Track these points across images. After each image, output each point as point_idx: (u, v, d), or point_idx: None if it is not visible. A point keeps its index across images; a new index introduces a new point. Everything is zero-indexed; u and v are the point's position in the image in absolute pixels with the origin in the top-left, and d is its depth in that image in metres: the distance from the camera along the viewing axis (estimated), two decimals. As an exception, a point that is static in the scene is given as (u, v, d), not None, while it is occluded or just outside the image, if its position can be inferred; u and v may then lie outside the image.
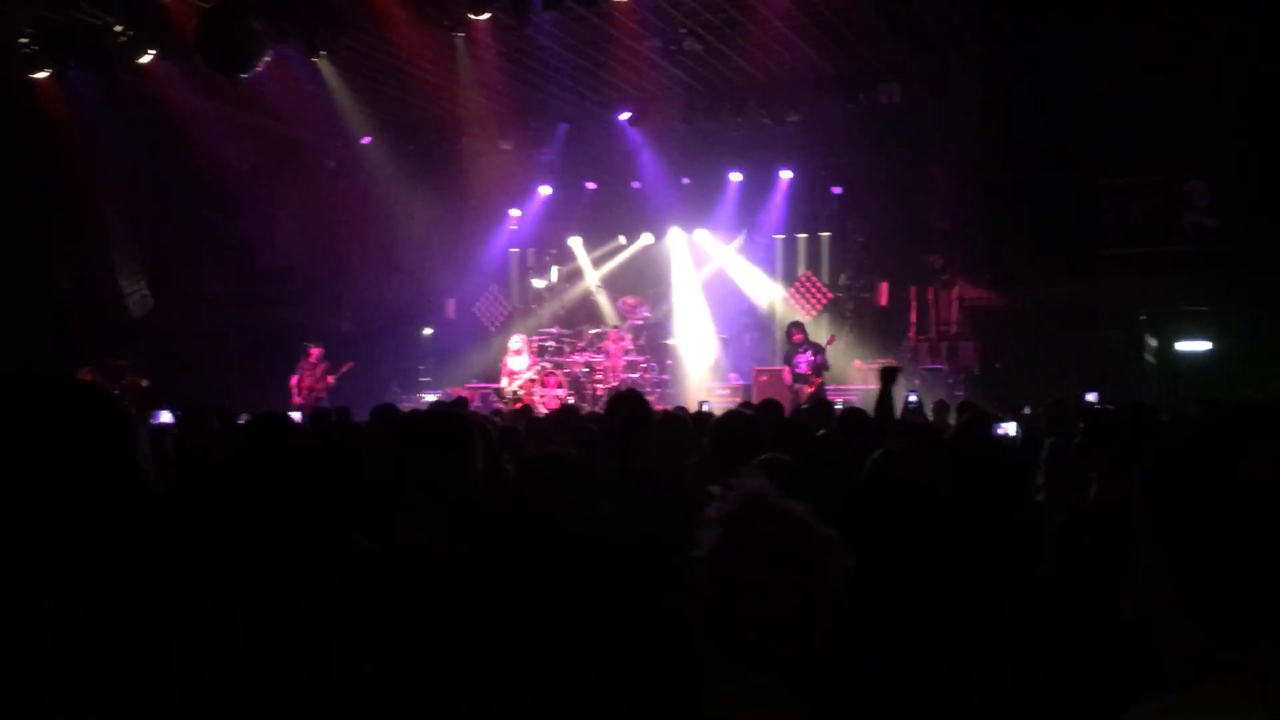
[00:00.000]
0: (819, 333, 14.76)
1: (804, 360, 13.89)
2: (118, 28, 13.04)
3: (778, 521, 1.55)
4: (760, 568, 1.51)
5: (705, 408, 10.38)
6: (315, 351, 15.00)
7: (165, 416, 7.25)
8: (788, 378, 14.05)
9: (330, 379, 14.87)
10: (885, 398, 5.59)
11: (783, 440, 4.25)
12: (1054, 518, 3.46)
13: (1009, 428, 6.72)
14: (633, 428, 4.23)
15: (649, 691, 2.30)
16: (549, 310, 18.68)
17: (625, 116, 15.95)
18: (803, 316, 16.10)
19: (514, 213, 18.96)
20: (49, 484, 1.49)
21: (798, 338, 14.18)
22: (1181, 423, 4.82)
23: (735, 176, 17.25)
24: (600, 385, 15.77)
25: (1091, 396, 10.72)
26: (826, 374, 14.05)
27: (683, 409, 8.32)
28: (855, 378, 15.20)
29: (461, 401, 11.15)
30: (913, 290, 15.86)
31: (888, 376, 5.87)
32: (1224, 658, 1.22)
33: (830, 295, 16.75)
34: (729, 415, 4.36)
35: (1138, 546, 1.32)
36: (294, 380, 14.82)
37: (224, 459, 5.05)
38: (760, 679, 1.51)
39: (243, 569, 2.36)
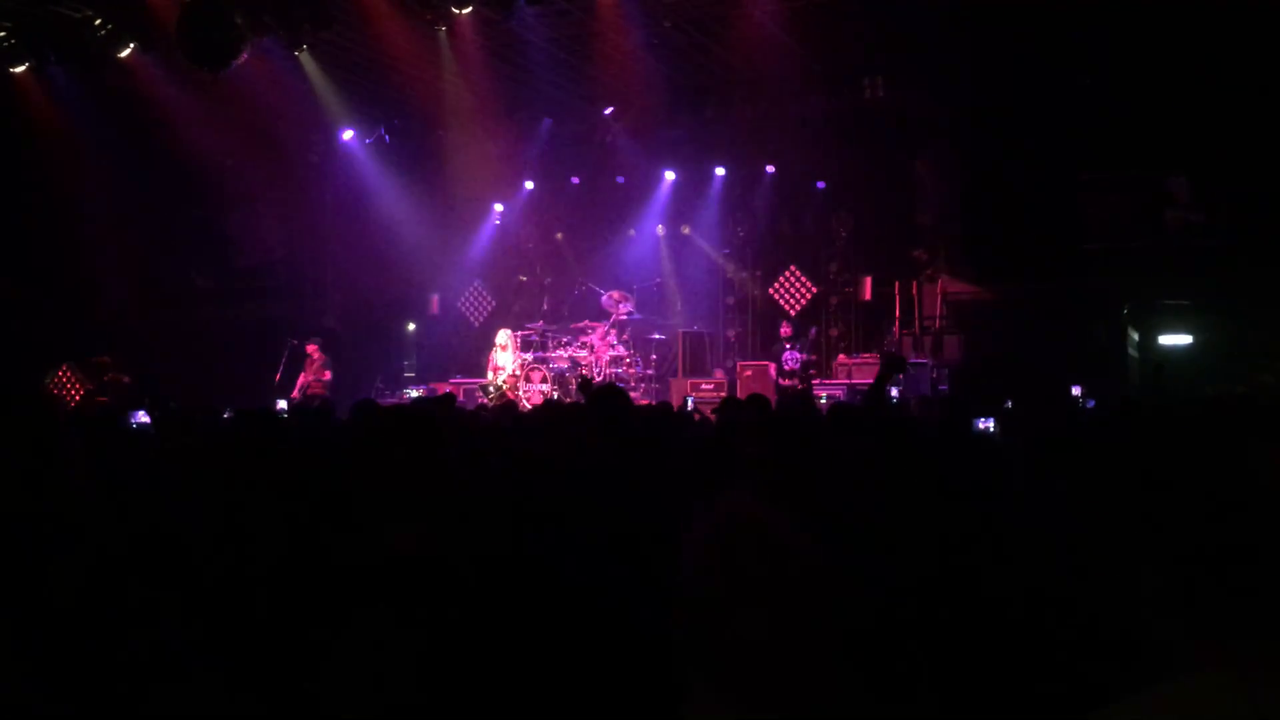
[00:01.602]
0: (803, 328, 14.77)
1: (791, 357, 13.91)
2: (97, 21, 12.95)
3: (763, 541, 1.47)
4: (742, 589, 1.44)
5: (690, 404, 10.40)
6: (313, 348, 15.02)
7: (142, 417, 7.19)
8: (773, 373, 14.05)
9: (327, 374, 14.89)
10: (879, 385, 5.51)
11: (768, 435, 4.24)
12: (1033, 511, 3.46)
13: (990, 422, 6.71)
14: (614, 422, 4.22)
15: (631, 716, 2.27)
16: (533, 305, 18.63)
17: (609, 111, 15.92)
18: (787, 312, 16.12)
19: (498, 207, 18.91)
20: None
21: (786, 331, 14.19)
22: (1168, 417, 4.83)
23: (719, 171, 17.25)
24: (585, 380, 15.73)
25: (1076, 390, 10.76)
26: (814, 371, 14.09)
27: (667, 404, 8.33)
28: (839, 373, 15.21)
29: (449, 397, 11.09)
30: (897, 284, 15.87)
31: (893, 365, 5.80)
32: (1208, 651, 1.22)
33: (814, 289, 16.77)
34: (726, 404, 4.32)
35: (1121, 542, 1.32)
36: (300, 379, 14.91)
37: (205, 458, 5.00)
38: (742, 709, 1.43)
39: (218, 572, 2.34)
